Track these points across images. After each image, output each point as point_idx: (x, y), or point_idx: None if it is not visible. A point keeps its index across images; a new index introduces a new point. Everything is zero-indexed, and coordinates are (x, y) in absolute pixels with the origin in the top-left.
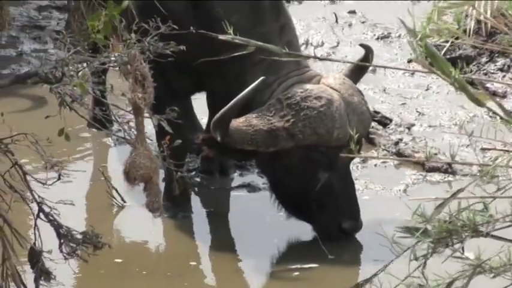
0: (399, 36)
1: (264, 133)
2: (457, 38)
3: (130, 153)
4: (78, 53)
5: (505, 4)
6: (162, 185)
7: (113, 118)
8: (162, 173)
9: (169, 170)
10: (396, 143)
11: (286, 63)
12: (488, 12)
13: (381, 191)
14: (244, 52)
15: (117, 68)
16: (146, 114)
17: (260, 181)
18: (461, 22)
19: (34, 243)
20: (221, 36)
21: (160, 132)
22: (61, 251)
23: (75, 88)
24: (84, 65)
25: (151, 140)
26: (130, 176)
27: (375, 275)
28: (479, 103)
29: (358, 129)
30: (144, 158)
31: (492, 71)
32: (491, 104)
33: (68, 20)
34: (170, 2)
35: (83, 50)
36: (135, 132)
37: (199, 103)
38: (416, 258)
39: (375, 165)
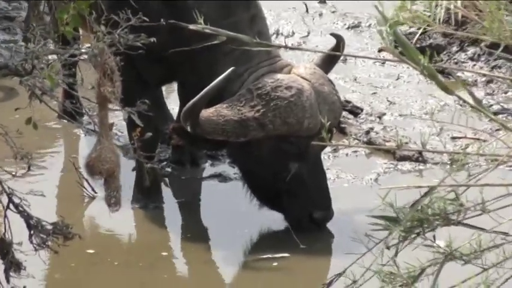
0: (369, 25)
1: (234, 123)
2: (428, 26)
3: (95, 147)
4: (47, 45)
5: None
6: (130, 177)
7: (83, 110)
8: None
9: (139, 161)
10: (367, 132)
11: (257, 54)
12: (459, 1)
13: (352, 180)
14: (214, 42)
15: (88, 60)
16: (112, 107)
17: (231, 171)
18: (432, 11)
19: (4, 235)
20: (191, 26)
21: (131, 124)
22: (31, 242)
23: (45, 80)
24: (55, 57)
25: (121, 132)
26: (95, 170)
27: (347, 268)
28: (448, 91)
29: (329, 119)
30: (109, 152)
31: (462, 60)
32: (461, 92)
33: (28, 11)
34: None
35: (53, 42)
36: (100, 126)
37: (170, 93)
38: (388, 248)
39: (346, 154)
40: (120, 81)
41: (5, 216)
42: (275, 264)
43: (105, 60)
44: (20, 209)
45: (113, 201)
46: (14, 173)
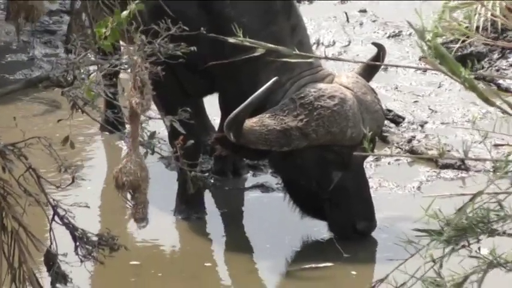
0: (410, 34)
1: (277, 133)
2: (468, 37)
3: (122, 159)
4: (88, 55)
5: None
6: (173, 189)
7: (125, 120)
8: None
9: (182, 170)
10: (409, 141)
11: (299, 63)
12: (498, 9)
13: (395, 189)
14: (254, 54)
15: (128, 71)
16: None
17: (273, 181)
18: (472, 20)
19: (50, 246)
20: (231, 40)
21: (173, 133)
22: (77, 254)
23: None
24: (96, 68)
25: (164, 141)
26: (118, 182)
27: (389, 274)
28: (489, 102)
29: (372, 128)
30: (134, 165)
31: (504, 67)
32: (502, 102)
33: (69, 23)
34: (181, 3)
35: (93, 53)
36: (130, 139)
37: (211, 104)
38: (433, 261)
39: (389, 163)
40: (150, 94)
41: (50, 228)
42: (318, 273)
43: (137, 72)
44: (65, 220)
45: (138, 217)
46: (58, 185)
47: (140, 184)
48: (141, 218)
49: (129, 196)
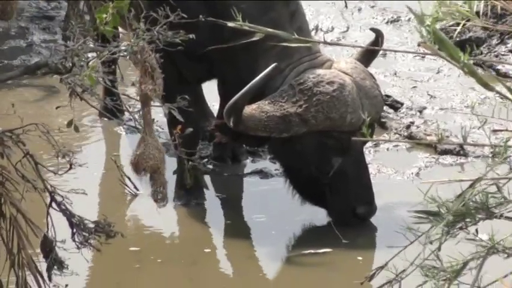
0: (409, 19)
1: (276, 119)
2: (468, 20)
3: (139, 144)
4: (87, 42)
5: None
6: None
7: (124, 107)
8: (172, 162)
9: (181, 158)
10: (408, 127)
11: (298, 49)
12: None
13: (394, 175)
14: (254, 39)
15: (127, 58)
16: (154, 104)
17: (272, 167)
18: (471, 5)
19: (47, 233)
20: (230, 24)
21: (172, 121)
22: (74, 240)
23: (85, 78)
24: (94, 54)
25: (162, 128)
26: (139, 167)
27: (389, 261)
28: (488, 87)
29: (371, 113)
30: (153, 149)
31: (503, 53)
32: (501, 87)
33: (67, 10)
34: None
35: (92, 40)
36: (143, 123)
37: (210, 90)
38: (431, 242)
39: (387, 149)
40: (161, 78)
41: (48, 214)
42: (318, 259)
43: (145, 58)
44: (62, 207)
45: (159, 197)
46: (55, 171)
47: (159, 166)
48: (161, 198)
49: (148, 178)
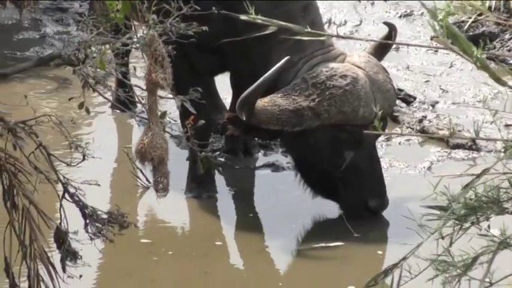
0: (422, 14)
1: (289, 113)
2: (480, 15)
3: (145, 134)
4: (100, 34)
5: None
6: (184, 167)
7: (136, 99)
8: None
9: (193, 150)
10: (420, 121)
11: (311, 42)
12: None
13: (405, 169)
14: (266, 32)
15: (140, 50)
16: (165, 95)
17: (284, 160)
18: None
19: (60, 224)
20: (242, 17)
21: (184, 114)
22: (87, 232)
23: (98, 70)
24: (107, 46)
25: (175, 121)
26: (146, 156)
27: (404, 259)
28: (501, 81)
29: (384, 107)
30: (159, 139)
31: None
32: None
33: (90, 2)
34: None
35: (105, 32)
36: (149, 112)
37: (222, 82)
38: (442, 237)
39: (399, 143)
40: (170, 67)
41: (61, 205)
42: (329, 253)
43: (155, 46)
44: (75, 198)
45: (160, 187)
46: (68, 163)
47: (164, 156)
48: (162, 189)
49: (151, 168)
